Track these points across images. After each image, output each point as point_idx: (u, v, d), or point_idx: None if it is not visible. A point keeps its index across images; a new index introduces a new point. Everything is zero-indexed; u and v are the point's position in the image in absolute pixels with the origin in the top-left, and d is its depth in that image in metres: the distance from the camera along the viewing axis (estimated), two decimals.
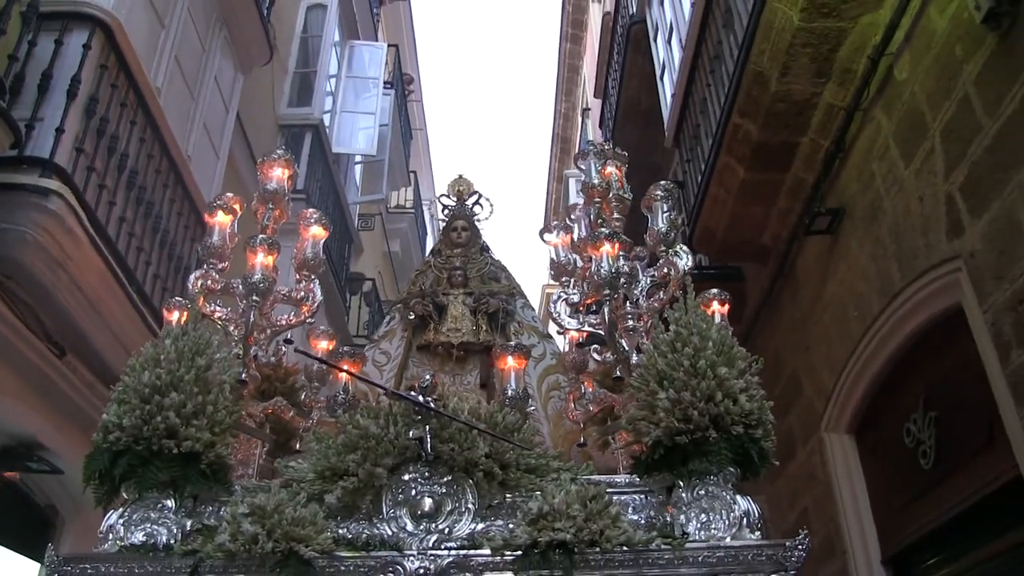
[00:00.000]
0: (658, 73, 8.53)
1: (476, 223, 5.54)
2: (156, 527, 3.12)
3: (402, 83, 15.63)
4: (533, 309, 5.44)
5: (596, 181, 4.40)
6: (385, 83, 13.10)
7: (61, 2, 4.67)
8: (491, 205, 5.60)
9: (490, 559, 3.06)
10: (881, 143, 5.01)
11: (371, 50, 12.07)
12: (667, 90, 8.07)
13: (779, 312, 6.68)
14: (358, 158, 12.14)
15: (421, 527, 3.18)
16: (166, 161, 5.56)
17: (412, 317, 5.09)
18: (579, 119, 20.19)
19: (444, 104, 59.58)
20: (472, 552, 3.10)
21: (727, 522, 3.06)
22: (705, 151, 6.83)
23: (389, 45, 15.55)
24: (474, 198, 5.60)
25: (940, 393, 4.71)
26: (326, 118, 10.49)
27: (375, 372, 4.95)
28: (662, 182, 4.28)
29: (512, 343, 4.33)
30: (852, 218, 5.40)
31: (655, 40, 8.74)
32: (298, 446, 4.06)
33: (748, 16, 5.54)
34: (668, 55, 8.07)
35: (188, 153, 6.06)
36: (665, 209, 4.14)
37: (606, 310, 3.84)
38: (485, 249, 5.53)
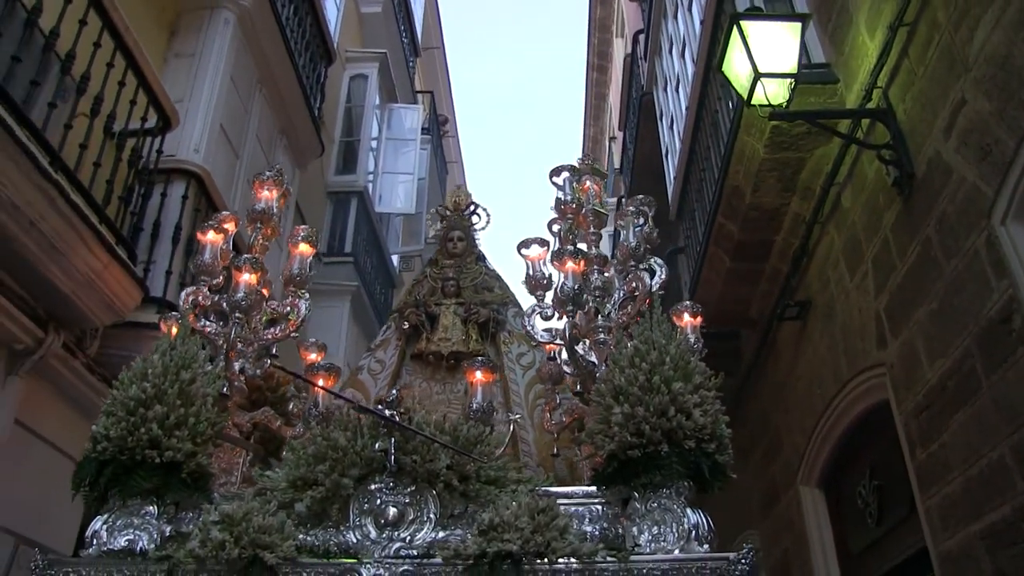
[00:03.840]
0: (663, 151, 9.55)
1: (473, 233, 5.71)
2: (138, 532, 3.25)
3: (437, 125, 16.75)
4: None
5: (569, 197, 4.61)
6: (422, 130, 14.26)
7: (165, 160, 5.80)
8: (487, 215, 5.75)
9: (442, 568, 3.14)
10: (834, 255, 6.03)
11: (408, 111, 13.20)
12: (670, 170, 9.09)
13: (765, 375, 7.70)
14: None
15: (384, 535, 3.29)
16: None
17: (406, 326, 5.22)
18: (607, 144, 21.15)
19: (477, 131, 60.71)
20: (426, 560, 3.21)
21: (676, 535, 3.11)
22: (699, 233, 7.87)
23: (424, 92, 16.73)
24: (471, 208, 5.78)
25: (880, 467, 5.73)
26: (369, 181, 11.62)
27: (370, 380, 5.16)
28: (638, 196, 4.57)
29: (480, 358, 4.41)
30: (816, 310, 6.43)
31: (660, 119, 9.76)
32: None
33: (725, 140, 6.58)
34: (671, 139, 9.09)
35: None
36: (639, 224, 4.29)
37: (566, 325, 4.00)
38: (481, 259, 5.67)
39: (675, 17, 8.57)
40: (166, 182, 5.84)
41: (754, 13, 5.38)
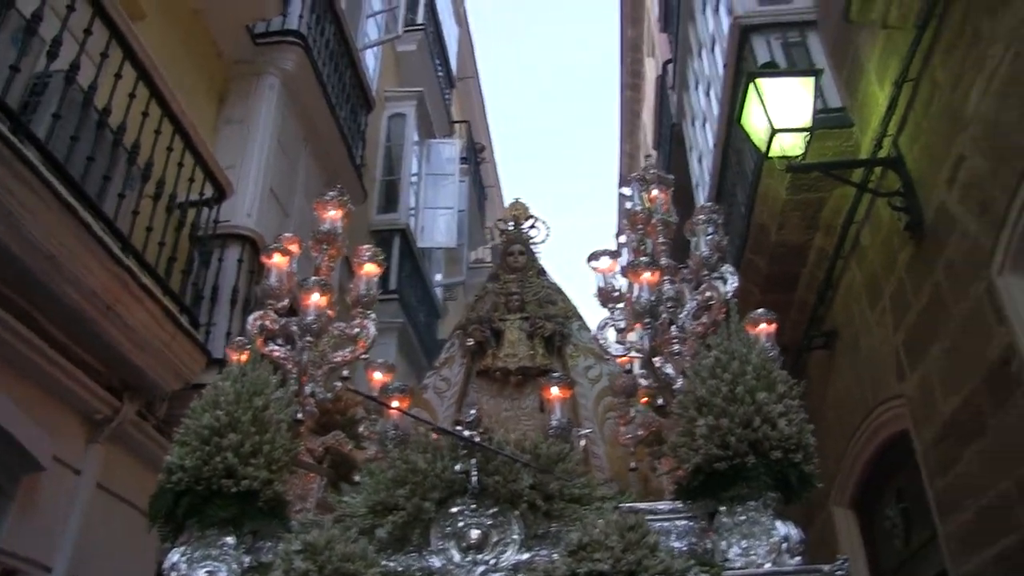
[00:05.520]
0: (693, 183, 9.85)
1: (533, 247, 5.63)
2: (217, 564, 3.19)
3: (475, 154, 17.15)
4: (590, 331, 5.13)
5: (638, 207, 4.48)
6: (460, 159, 14.67)
7: (220, 227, 6.20)
8: (547, 228, 5.67)
9: None
10: (856, 289, 6.31)
11: (446, 145, 13.62)
12: (701, 202, 9.36)
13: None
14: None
15: (468, 559, 3.23)
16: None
17: (470, 343, 5.15)
18: (642, 161, 21.42)
19: (515, 152, 61.30)
20: None
21: (767, 547, 3.02)
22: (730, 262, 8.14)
23: (461, 122, 17.16)
24: (530, 222, 5.68)
25: (906, 491, 5.99)
26: (411, 219, 12.02)
27: (436, 399, 5.11)
28: (707, 204, 4.47)
29: (557, 374, 4.32)
30: (842, 341, 6.70)
31: (690, 152, 10.05)
32: (358, 478, 3.90)
33: (749, 183, 6.88)
34: (700, 173, 9.38)
35: None
36: (709, 232, 4.19)
37: (646, 338, 3.94)
38: (542, 273, 5.59)
39: (700, 56, 8.88)
40: (222, 247, 6.24)
41: (770, 70, 5.69)
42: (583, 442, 4.53)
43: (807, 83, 5.48)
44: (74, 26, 4.66)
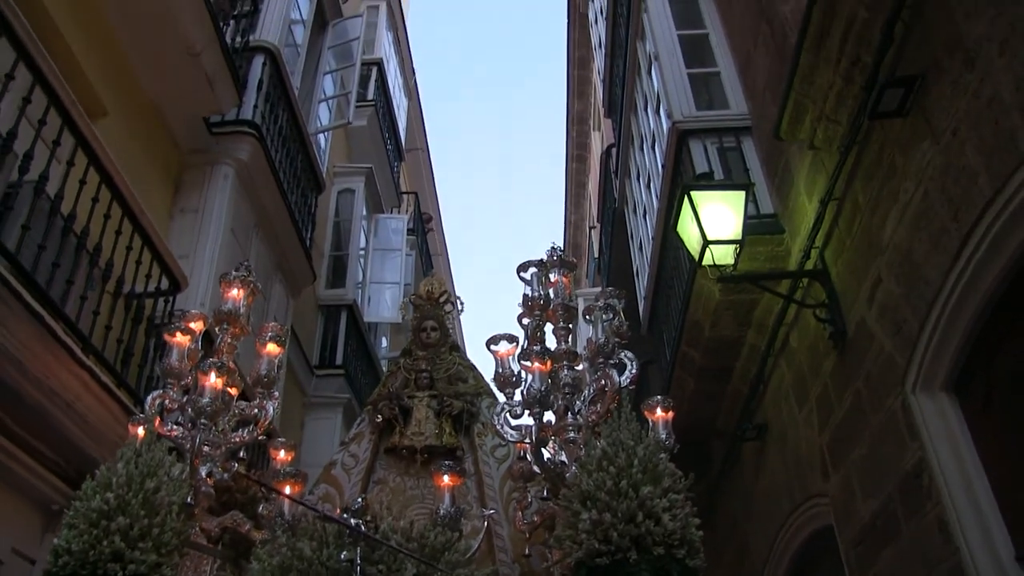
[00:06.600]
0: (634, 270, 10.20)
1: (447, 323, 5.60)
2: None
3: (422, 224, 17.43)
4: None
5: (537, 293, 4.43)
6: (407, 231, 14.93)
7: (177, 314, 6.36)
8: (462, 303, 5.69)
9: None
10: (785, 387, 6.63)
11: (393, 220, 13.90)
12: (640, 288, 9.72)
13: (732, 483, 8.25)
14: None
15: None
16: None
17: (379, 420, 5.15)
18: (588, 231, 21.86)
19: (463, 220, 62.10)
20: None
21: None
22: (667, 353, 8.47)
23: (409, 193, 17.46)
24: (444, 297, 5.67)
25: None
26: (357, 292, 12.22)
27: (344, 475, 5.11)
28: (608, 289, 4.54)
29: (446, 462, 4.28)
30: (772, 433, 7.01)
31: (631, 238, 10.42)
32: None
33: (685, 280, 7.22)
34: (641, 260, 9.74)
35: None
36: (607, 318, 4.17)
37: (534, 428, 3.90)
38: (455, 348, 5.60)
39: (641, 149, 9.28)
40: (171, 333, 6.38)
41: (704, 183, 6.03)
42: (486, 523, 4.56)
43: (738, 197, 5.83)
44: (43, 136, 4.86)
